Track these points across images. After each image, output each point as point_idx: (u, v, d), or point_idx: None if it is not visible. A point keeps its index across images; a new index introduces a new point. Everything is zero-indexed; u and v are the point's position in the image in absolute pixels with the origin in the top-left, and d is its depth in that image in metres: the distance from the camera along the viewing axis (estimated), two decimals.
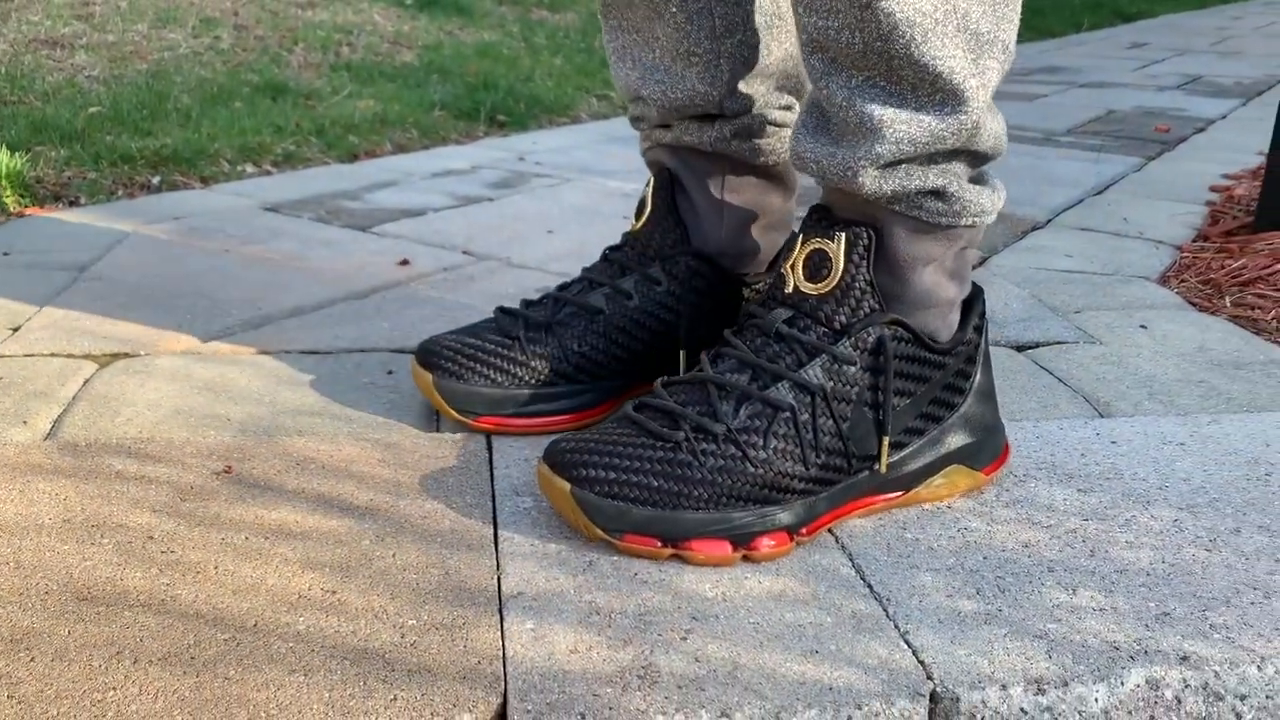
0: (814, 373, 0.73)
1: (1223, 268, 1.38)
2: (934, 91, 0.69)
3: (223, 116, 2.07)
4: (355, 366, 0.99)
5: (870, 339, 0.73)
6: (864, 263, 0.73)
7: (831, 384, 0.73)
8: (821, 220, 0.75)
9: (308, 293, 1.19)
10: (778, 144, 0.88)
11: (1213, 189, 1.85)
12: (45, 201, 1.56)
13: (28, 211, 1.51)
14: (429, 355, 0.86)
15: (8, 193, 1.53)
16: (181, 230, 1.42)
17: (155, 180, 1.71)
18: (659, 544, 0.69)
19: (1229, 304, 1.27)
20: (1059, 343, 1.11)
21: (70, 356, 0.99)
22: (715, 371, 0.74)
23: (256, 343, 1.04)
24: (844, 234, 0.73)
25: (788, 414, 0.72)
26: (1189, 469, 0.84)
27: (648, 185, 0.91)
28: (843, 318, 0.74)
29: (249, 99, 2.26)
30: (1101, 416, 0.94)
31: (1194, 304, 1.27)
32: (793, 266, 0.76)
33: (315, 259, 1.32)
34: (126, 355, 1.00)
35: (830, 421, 0.72)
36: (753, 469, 0.70)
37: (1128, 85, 3.13)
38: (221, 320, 1.09)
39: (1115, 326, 1.17)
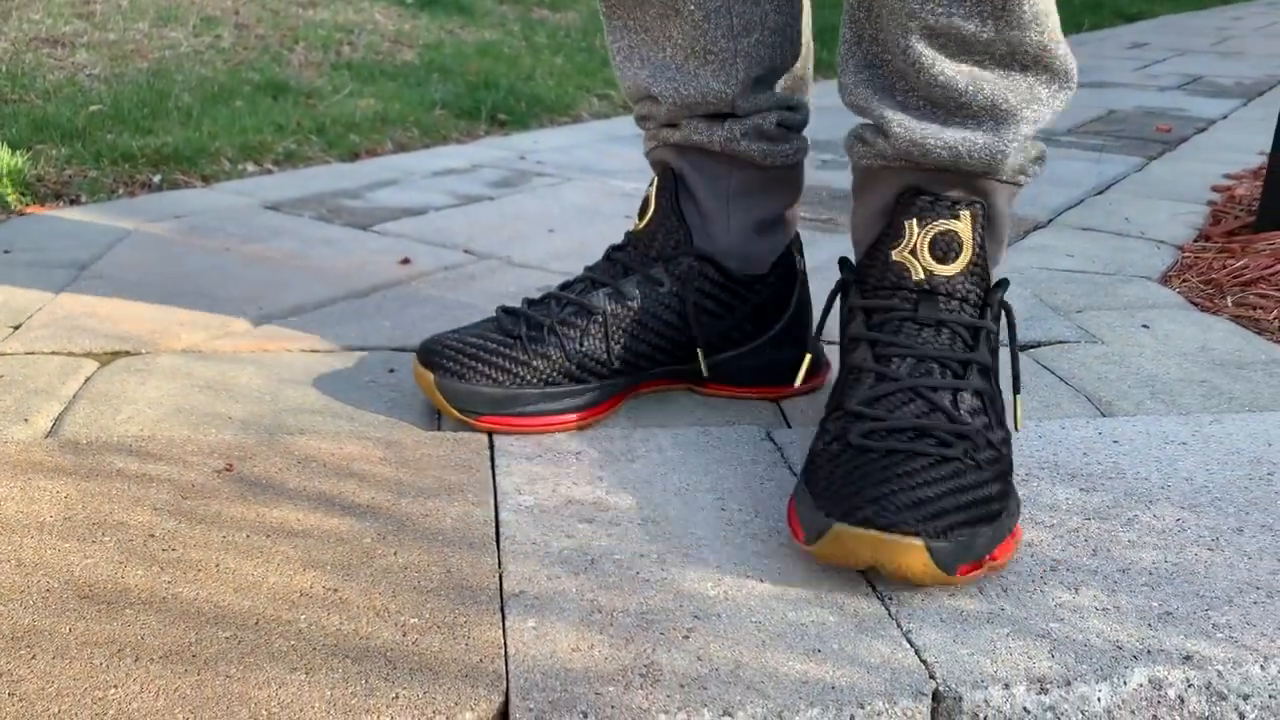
0: (984, 351, 0.74)
1: (1224, 267, 1.37)
2: (1042, 70, 0.75)
3: (224, 115, 2.07)
4: (356, 365, 0.99)
5: (998, 305, 0.76)
6: (983, 235, 0.77)
7: (991, 358, 0.75)
8: (936, 201, 0.76)
9: (309, 291, 1.19)
10: (786, 145, 0.88)
11: (1214, 189, 1.85)
12: (46, 199, 1.56)
13: (29, 209, 1.50)
14: (430, 354, 0.86)
15: (9, 191, 1.53)
16: (182, 228, 1.42)
17: (156, 179, 1.70)
18: (980, 567, 0.66)
19: (1231, 304, 1.26)
20: (1061, 342, 1.11)
21: (71, 354, 0.99)
22: (911, 376, 0.72)
23: (257, 341, 1.04)
24: (967, 211, 0.76)
25: (990, 396, 0.73)
26: (1191, 468, 0.84)
27: (651, 185, 0.91)
28: (977, 290, 0.76)
29: (250, 98, 2.25)
30: (1104, 416, 0.93)
31: (1196, 304, 1.27)
32: (914, 252, 0.75)
33: (316, 257, 1.32)
34: (127, 353, 1.00)
35: (1000, 396, 0.75)
36: (1007, 460, 0.71)
37: (1128, 85, 3.13)
38: (222, 318, 1.09)
39: (1117, 326, 1.16)
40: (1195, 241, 1.53)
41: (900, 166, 0.78)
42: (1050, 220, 1.62)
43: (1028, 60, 0.74)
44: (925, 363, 0.73)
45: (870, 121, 0.80)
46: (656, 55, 0.87)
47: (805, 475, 0.71)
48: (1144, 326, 1.16)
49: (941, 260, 0.75)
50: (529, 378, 0.85)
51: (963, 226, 0.75)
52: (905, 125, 0.76)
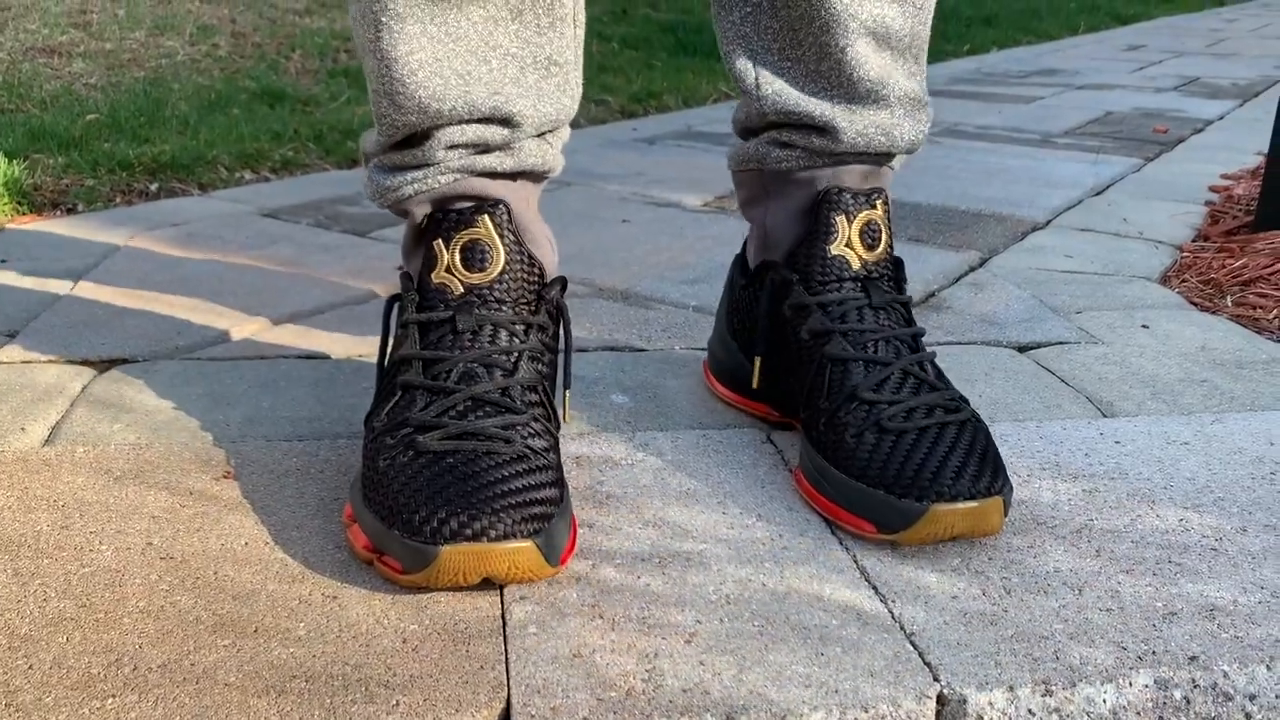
0: (916, 323, 0.83)
1: (1223, 267, 1.37)
2: (918, 62, 0.82)
3: (220, 123, 2.07)
4: (354, 371, 0.99)
5: (904, 279, 0.83)
6: (891, 218, 0.83)
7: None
8: (856, 196, 0.81)
9: (307, 298, 1.19)
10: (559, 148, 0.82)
11: (1212, 189, 1.85)
12: (43, 209, 1.56)
13: (26, 219, 1.50)
14: (488, 519, 0.63)
15: (5, 200, 1.53)
16: (179, 236, 1.42)
17: (153, 187, 1.70)
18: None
19: (1230, 303, 1.26)
20: (1061, 343, 1.11)
21: (68, 363, 0.99)
22: (891, 358, 0.78)
23: (255, 348, 1.04)
24: (880, 199, 0.82)
25: (934, 358, 0.80)
26: (1194, 468, 0.83)
27: (476, 227, 0.75)
28: (893, 270, 0.82)
29: (246, 106, 2.25)
30: (1105, 416, 0.93)
31: (1195, 304, 1.26)
32: (849, 244, 0.81)
33: (314, 264, 1.31)
34: (125, 361, 1.00)
35: None
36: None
37: (1125, 87, 3.13)
38: (220, 326, 1.09)
39: (1117, 327, 1.16)
40: (1194, 241, 1.53)
41: (820, 165, 0.82)
42: (1049, 221, 1.62)
43: (917, 52, 0.81)
44: (892, 344, 0.79)
45: (803, 124, 0.82)
46: (480, 69, 0.74)
47: (843, 467, 0.73)
48: (1144, 327, 1.16)
49: (871, 248, 0.81)
50: (553, 457, 0.71)
51: (879, 214, 0.81)
52: (849, 119, 0.80)
